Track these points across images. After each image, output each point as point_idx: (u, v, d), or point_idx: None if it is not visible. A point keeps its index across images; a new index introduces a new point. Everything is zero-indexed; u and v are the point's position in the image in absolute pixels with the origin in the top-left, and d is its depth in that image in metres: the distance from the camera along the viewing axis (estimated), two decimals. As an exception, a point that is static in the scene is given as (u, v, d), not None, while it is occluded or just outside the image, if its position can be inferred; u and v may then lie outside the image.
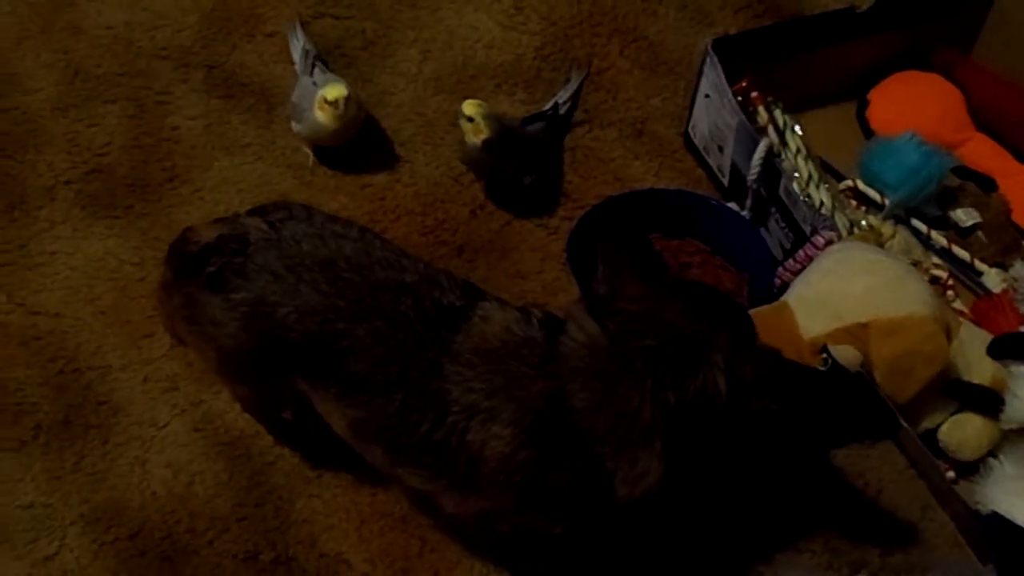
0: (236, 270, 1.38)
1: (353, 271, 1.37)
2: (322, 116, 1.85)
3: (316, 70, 1.98)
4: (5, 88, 2.01)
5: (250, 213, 1.46)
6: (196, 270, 1.41)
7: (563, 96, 2.03)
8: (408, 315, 1.34)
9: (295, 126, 1.93)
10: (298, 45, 2.05)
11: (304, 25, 2.08)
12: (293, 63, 2.04)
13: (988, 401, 1.59)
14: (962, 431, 1.61)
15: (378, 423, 1.36)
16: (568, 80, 2.07)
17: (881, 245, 1.76)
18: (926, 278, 1.72)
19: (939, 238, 1.85)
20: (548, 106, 2.00)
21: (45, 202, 1.88)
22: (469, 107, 1.81)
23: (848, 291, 1.57)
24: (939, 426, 1.63)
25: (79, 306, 1.76)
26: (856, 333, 1.55)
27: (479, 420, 1.30)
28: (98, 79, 2.04)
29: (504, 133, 1.81)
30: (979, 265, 1.83)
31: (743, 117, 1.78)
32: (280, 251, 1.38)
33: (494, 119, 1.81)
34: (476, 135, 1.80)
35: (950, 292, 1.80)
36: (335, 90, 1.84)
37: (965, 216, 1.87)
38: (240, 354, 1.42)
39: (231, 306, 1.38)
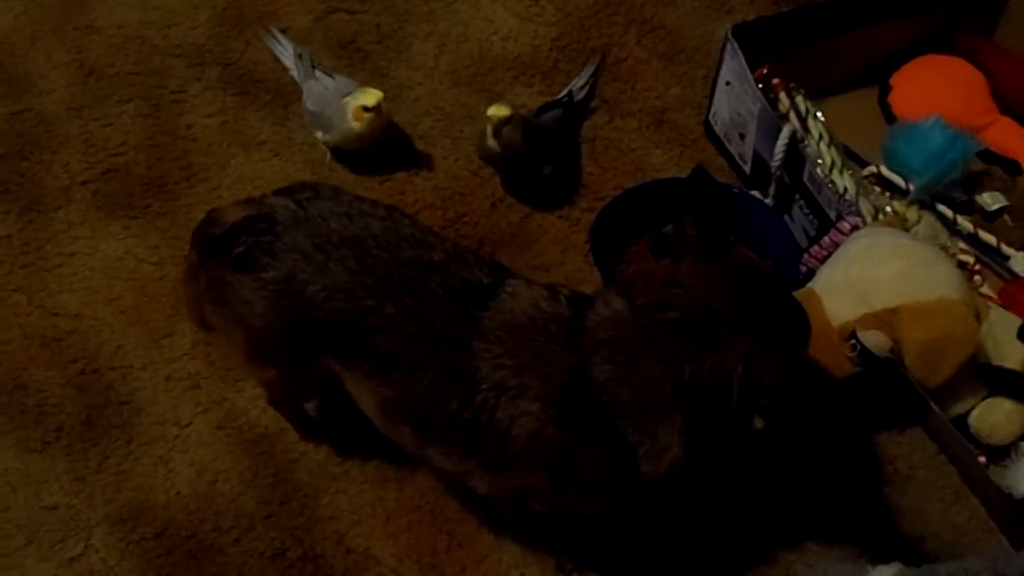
0: (264, 249, 1.37)
1: (381, 249, 1.36)
2: (359, 125, 1.83)
3: (318, 72, 1.96)
4: (19, 89, 2.00)
5: (276, 193, 1.46)
6: (223, 251, 1.40)
7: (578, 83, 2.02)
8: (437, 293, 1.33)
9: (321, 135, 1.91)
10: (286, 51, 2.03)
11: (284, 31, 2.06)
12: (287, 70, 2.02)
13: (1019, 385, 1.58)
14: (993, 416, 1.59)
15: (408, 402, 1.35)
16: (583, 67, 2.05)
17: (906, 231, 1.74)
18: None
19: (965, 223, 1.83)
20: (563, 94, 1.98)
21: (62, 203, 1.87)
22: (502, 109, 1.78)
23: (877, 276, 1.56)
24: (970, 411, 1.61)
25: (99, 306, 1.75)
26: (885, 318, 1.53)
27: (508, 397, 1.29)
28: (112, 78, 2.03)
29: (525, 129, 1.80)
30: (1006, 249, 1.81)
31: (765, 103, 1.76)
32: (308, 230, 1.37)
33: (519, 115, 1.80)
34: (517, 131, 1.79)
35: (977, 277, 1.78)
36: (372, 96, 1.83)
37: (991, 200, 1.85)
38: (269, 334, 1.41)
39: (260, 285, 1.37)
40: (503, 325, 1.32)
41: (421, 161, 1.94)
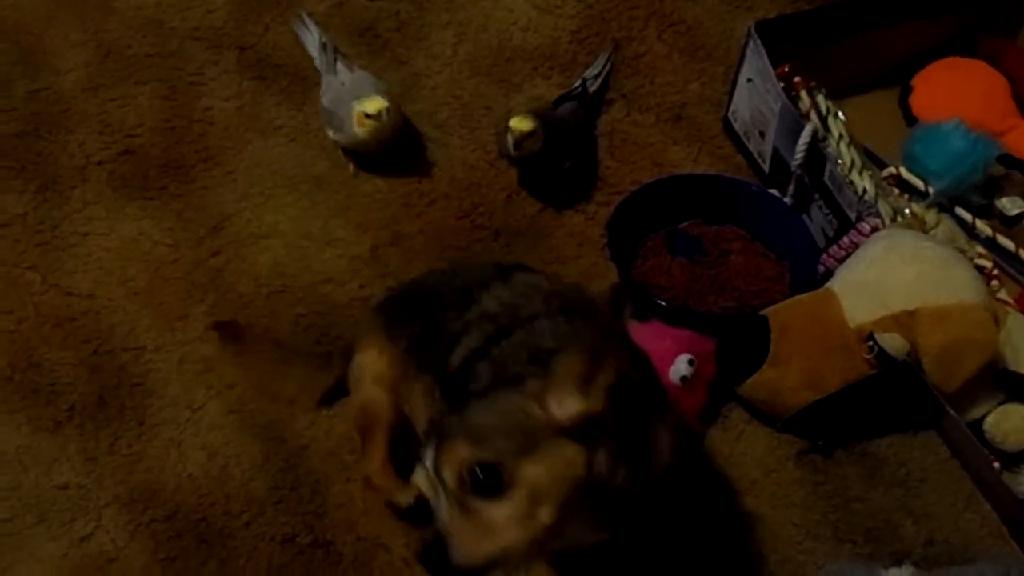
0: None
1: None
2: (362, 131, 1.82)
3: (339, 65, 1.95)
4: (36, 68, 2.00)
5: None
6: None
7: (591, 73, 2.01)
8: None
9: (332, 134, 1.89)
10: (312, 39, 2.02)
11: (310, 15, 2.06)
12: (311, 57, 2.01)
13: (1036, 392, 1.58)
14: (1009, 421, 1.59)
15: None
16: (596, 58, 2.05)
17: (925, 234, 1.73)
18: (971, 267, 1.69)
19: (984, 227, 1.82)
20: (577, 84, 1.97)
21: (77, 183, 1.87)
22: (524, 123, 1.77)
23: (896, 278, 1.55)
24: (985, 416, 1.60)
25: (113, 287, 1.75)
26: (904, 321, 1.53)
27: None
28: (129, 59, 2.03)
29: (545, 126, 1.79)
30: (1024, 254, 1.81)
31: (787, 101, 1.75)
32: None
33: (540, 118, 1.79)
34: (538, 142, 1.79)
35: (995, 282, 1.77)
36: (374, 103, 1.80)
37: (1011, 205, 1.84)
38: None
39: None
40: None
41: (438, 150, 1.94)
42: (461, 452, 1.11)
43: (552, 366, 1.13)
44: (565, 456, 1.11)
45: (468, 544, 1.10)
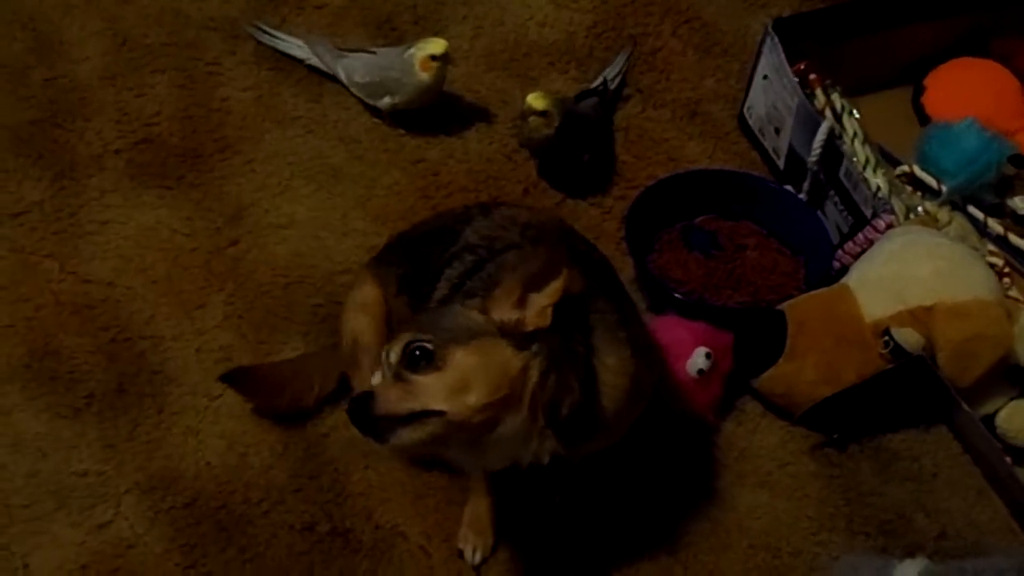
0: None
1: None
2: (428, 75, 1.86)
3: (344, 52, 1.96)
4: (52, 56, 2.00)
5: None
6: None
7: (611, 72, 2.03)
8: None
9: (388, 100, 1.90)
10: (293, 44, 2.02)
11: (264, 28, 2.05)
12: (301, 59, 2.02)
13: (1048, 388, 1.59)
14: (1021, 417, 1.60)
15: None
16: (616, 56, 2.06)
17: (938, 231, 1.74)
18: (985, 264, 1.71)
19: (996, 226, 1.84)
20: (598, 82, 1.99)
21: (95, 171, 1.87)
22: (539, 101, 1.78)
23: (913, 274, 1.57)
24: (996, 412, 1.62)
25: (131, 275, 1.75)
26: (920, 316, 1.55)
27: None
28: (146, 48, 2.03)
29: (568, 116, 1.80)
30: (1035, 253, 1.82)
31: (804, 98, 1.77)
32: None
33: (559, 104, 1.80)
34: (549, 127, 1.79)
35: (1006, 280, 1.78)
36: (439, 44, 1.85)
37: (1022, 204, 1.86)
38: None
39: None
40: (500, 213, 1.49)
41: (455, 143, 1.95)
42: (405, 336, 1.20)
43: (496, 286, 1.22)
44: (495, 348, 1.19)
45: (391, 399, 1.18)
